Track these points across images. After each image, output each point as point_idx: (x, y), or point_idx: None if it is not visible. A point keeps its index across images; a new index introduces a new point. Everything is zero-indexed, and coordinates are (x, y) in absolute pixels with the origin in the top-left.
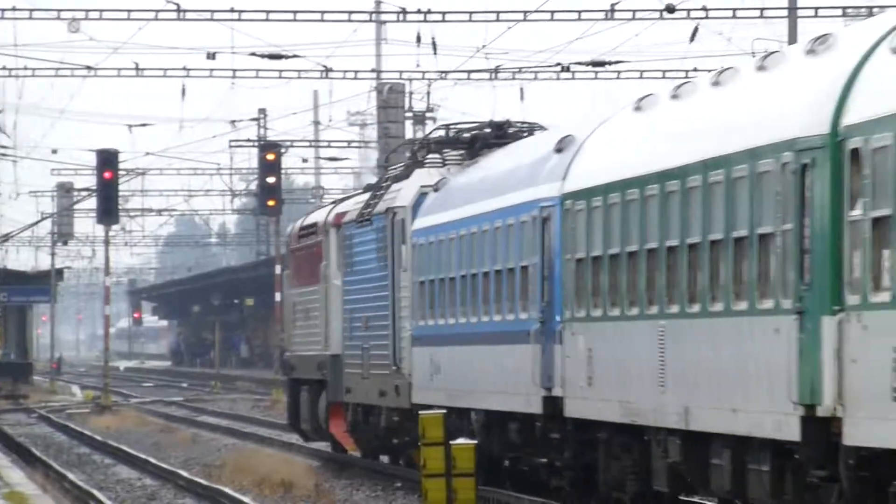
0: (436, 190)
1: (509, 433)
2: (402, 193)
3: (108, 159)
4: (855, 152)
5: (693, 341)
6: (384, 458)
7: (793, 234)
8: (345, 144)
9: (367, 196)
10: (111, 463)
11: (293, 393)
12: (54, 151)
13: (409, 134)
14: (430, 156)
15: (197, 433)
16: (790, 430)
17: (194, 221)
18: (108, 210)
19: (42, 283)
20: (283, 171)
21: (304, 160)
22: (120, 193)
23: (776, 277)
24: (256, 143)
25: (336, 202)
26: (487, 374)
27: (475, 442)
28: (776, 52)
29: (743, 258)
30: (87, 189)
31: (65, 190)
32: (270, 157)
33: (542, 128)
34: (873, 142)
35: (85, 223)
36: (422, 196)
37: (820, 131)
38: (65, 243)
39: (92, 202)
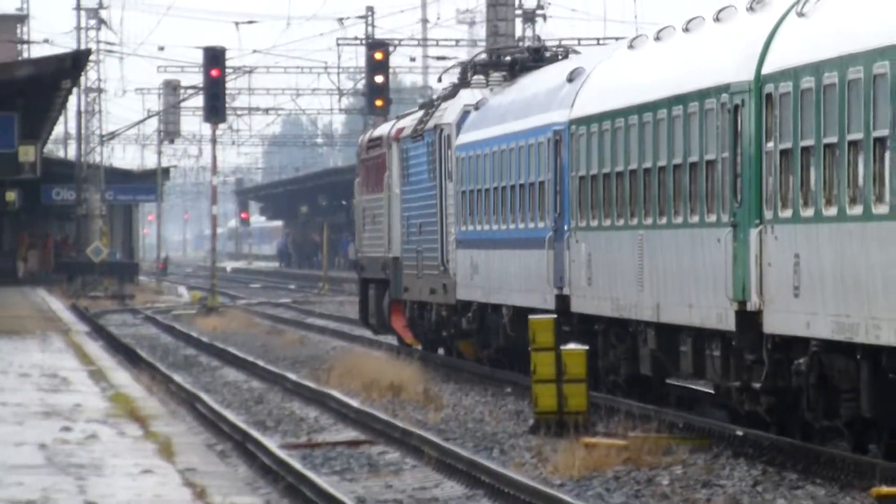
0: (476, 109)
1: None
2: (449, 111)
3: (214, 57)
4: (769, 97)
5: (662, 248)
6: (440, 351)
7: (729, 162)
8: (453, 43)
9: (421, 113)
10: (218, 365)
11: (363, 291)
12: (161, 48)
13: (518, 33)
14: (475, 77)
15: (305, 335)
16: (728, 322)
17: (301, 121)
18: (215, 108)
19: (148, 182)
20: (391, 70)
21: (412, 59)
22: (227, 92)
23: (718, 196)
24: (364, 42)
25: (399, 117)
26: (513, 274)
27: (586, 347)
28: (730, 6)
29: (695, 179)
30: (193, 87)
31: (171, 88)
32: (378, 55)
33: (575, 52)
34: (780, 89)
35: (191, 121)
36: (465, 114)
37: (747, 77)
38: (171, 142)
39: (198, 100)
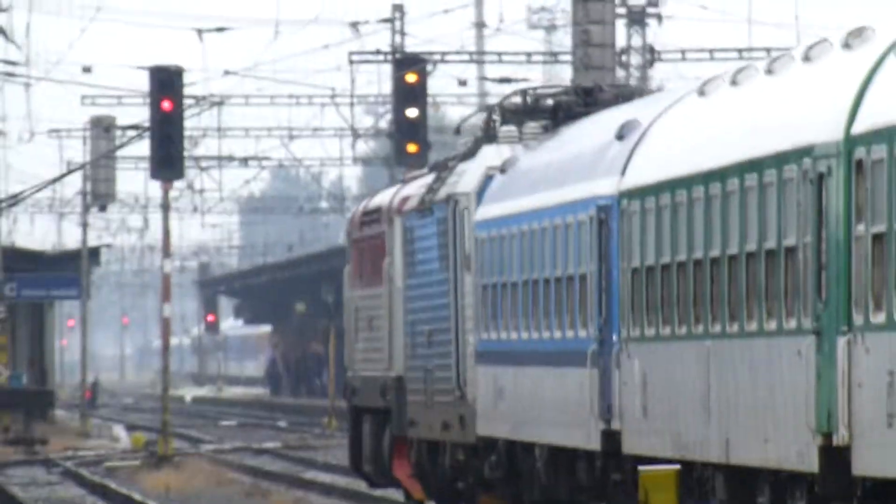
0: (502, 172)
1: (578, 472)
2: (466, 177)
3: (167, 81)
4: (860, 164)
5: (733, 364)
6: None
7: (812, 248)
8: (523, 58)
9: (432, 178)
10: None
11: (355, 424)
12: (86, 70)
13: (620, 41)
14: (504, 127)
15: (302, 498)
16: (811, 462)
17: (297, 175)
18: (168, 158)
19: (68, 270)
20: (430, 100)
21: (462, 82)
22: (185, 134)
23: (800, 294)
24: (389, 58)
25: (405, 181)
26: (548, 401)
27: None
28: (825, 40)
29: (771, 272)
30: (135, 127)
31: (102, 128)
32: (411, 77)
33: (648, 91)
34: (873, 153)
35: (133, 179)
36: (489, 179)
37: (835, 138)
38: (103, 209)
39: (143, 147)
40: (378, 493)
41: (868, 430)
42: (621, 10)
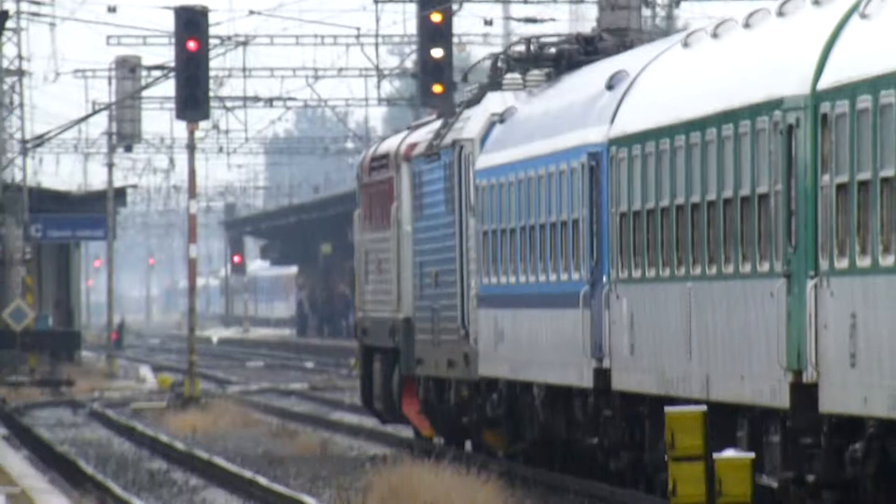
0: (502, 121)
1: (573, 409)
2: (471, 123)
3: (192, 21)
4: (825, 118)
5: (713, 304)
6: (468, 445)
7: (783, 196)
8: None
9: (439, 124)
10: (199, 485)
11: (366, 363)
12: (111, 10)
13: None
14: (509, 75)
15: (329, 439)
16: (783, 398)
17: (323, 116)
18: (194, 99)
19: (94, 210)
20: (455, 40)
21: (488, 22)
22: (211, 74)
23: (772, 239)
24: None
25: (412, 127)
26: (545, 341)
27: (751, 455)
28: None
29: (746, 218)
30: (160, 67)
31: (128, 69)
32: (436, 17)
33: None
34: (837, 108)
35: (158, 119)
36: (492, 126)
37: (803, 92)
38: (129, 149)
39: (168, 87)
40: (395, 430)
41: (833, 369)
42: None
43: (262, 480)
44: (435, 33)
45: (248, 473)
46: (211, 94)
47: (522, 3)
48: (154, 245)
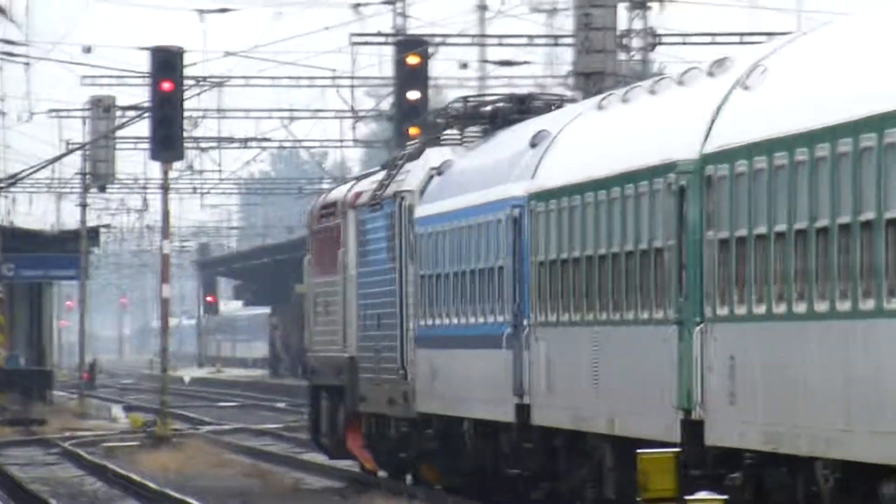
0: (439, 174)
1: (501, 443)
2: (411, 176)
3: (167, 62)
4: (709, 179)
5: (616, 348)
6: (408, 478)
7: (675, 251)
8: (525, 41)
9: (382, 175)
10: None
11: (314, 401)
12: (87, 50)
13: (622, 24)
14: (447, 130)
15: (301, 479)
16: (675, 434)
17: (297, 156)
18: (168, 139)
19: (67, 250)
20: (431, 82)
21: (464, 65)
22: (186, 115)
23: (666, 290)
24: (391, 39)
25: (358, 178)
26: (473, 379)
27: (724, 497)
28: (696, 67)
29: (645, 269)
30: (135, 107)
31: (102, 109)
32: (413, 60)
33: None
34: (719, 171)
35: (133, 160)
36: (430, 178)
37: (692, 157)
38: (102, 189)
39: (143, 127)
40: (347, 466)
41: (716, 407)
42: None
43: None
44: (411, 76)
45: None
46: (185, 134)
47: (499, 46)
48: (127, 285)
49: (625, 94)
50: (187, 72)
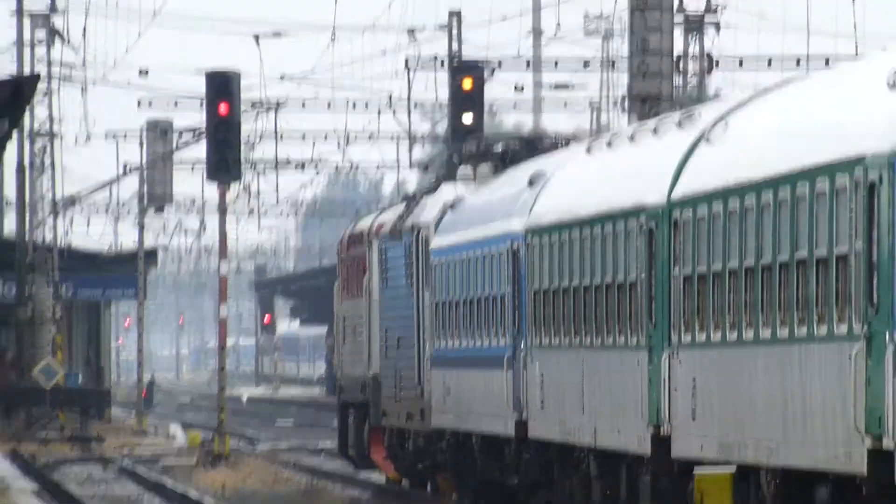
0: (452, 209)
1: (504, 455)
2: (427, 210)
3: (224, 85)
4: (676, 223)
5: (598, 370)
6: (428, 487)
7: (645, 284)
8: (579, 65)
9: (402, 208)
10: None
11: (342, 416)
12: (143, 73)
13: (678, 48)
14: (461, 168)
15: (357, 497)
16: (646, 447)
17: (354, 179)
18: (224, 162)
19: (125, 270)
20: (486, 106)
21: (519, 89)
22: (242, 138)
23: (638, 318)
24: (446, 64)
25: (381, 210)
26: (479, 397)
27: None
28: (669, 117)
29: (621, 300)
30: (192, 130)
31: (159, 131)
32: (467, 83)
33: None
34: (683, 216)
35: (190, 181)
36: (445, 213)
37: (661, 202)
38: (159, 211)
39: (200, 150)
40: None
41: (681, 423)
42: (679, 19)
43: None
44: (466, 99)
45: None
46: (242, 157)
47: (553, 70)
48: (184, 304)
49: (609, 140)
50: (244, 95)
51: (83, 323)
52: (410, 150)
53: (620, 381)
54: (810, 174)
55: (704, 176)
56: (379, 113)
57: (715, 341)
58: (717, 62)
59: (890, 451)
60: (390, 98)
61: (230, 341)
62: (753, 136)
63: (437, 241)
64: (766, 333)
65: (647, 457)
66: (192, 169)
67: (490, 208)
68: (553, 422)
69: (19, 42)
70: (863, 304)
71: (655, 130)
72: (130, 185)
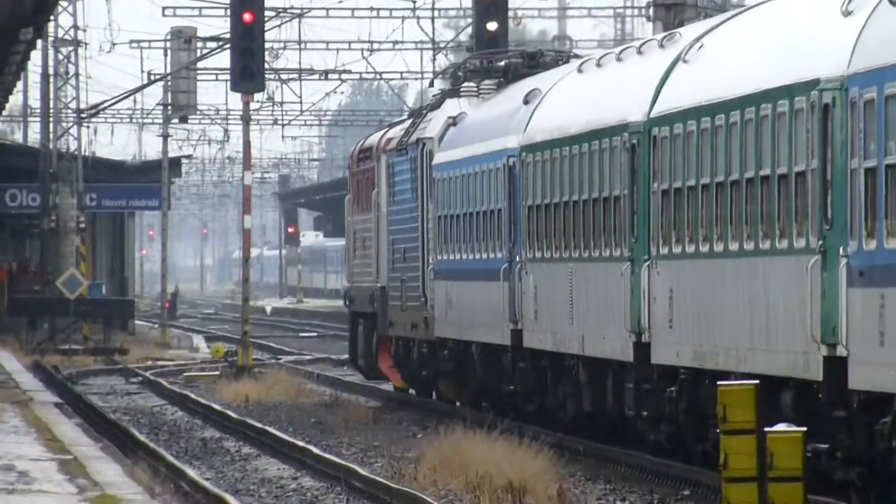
0: (454, 125)
1: (502, 363)
2: (431, 125)
3: None
4: (654, 139)
5: (586, 281)
6: (434, 395)
7: (627, 199)
8: None
9: (409, 123)
10: (251, 453)
11: (352, 327)
12: None
13: None
14: (465, 83)
15: (380, 408)
16: (628, 353)
17: (378, 89)
18: (249, 71)
19: (149, 180)
20: (511, 14)
21: None
22: (266, 46)
23: (621, 232)
24: None
25: (391, 125)
26: (479, 308)
27: (803, 429)
28: (653, 39)
29: (606, 214)
30: (216, 38)
31: (183, 40)
32: None
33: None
34: (661, 132)
35: (214, 91)
36: (448, 128)
37: (642, 119)
38: (184, 120)
39: (223, 59)
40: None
41: (659, 331)
42: None
43: (315, 450)
44: (490, 6)
45: (300, 443)
46: (266, 66)
47: None
48: (208, 215)
49: (599, 60)
50: (268, 3)
51: (107, 233)
52: (434, 58)
53: (605, 292)
54: (772, 95)
55: (680, 95)
56: (402, 20)
57: (689, 253)
58: None
59: (843, 357)
60: (414, 5)
61: (254, 252)
62: (724, 57)
63: (439, 157)
64: (734, 246)
65: (629, 363)
66: (217, 78)
67: (489, 125)
68: (545, 331)
69: None
70: (818, 219)
71: (640, 51)
72: (155, 95)
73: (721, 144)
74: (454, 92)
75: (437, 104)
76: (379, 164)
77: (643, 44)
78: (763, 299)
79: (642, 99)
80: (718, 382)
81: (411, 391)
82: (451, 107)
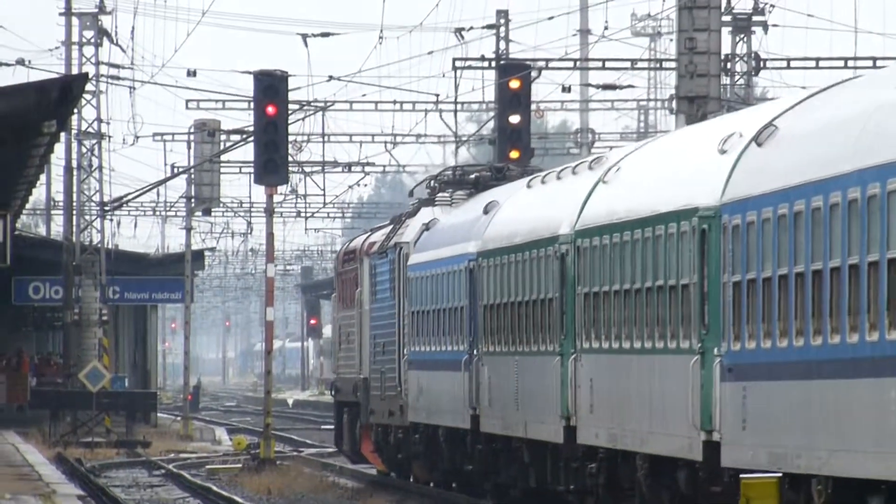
0: (427, 230)
1: (467, 446)
2: (408, 230)
3: (271, 86)
4: (579, 249)
5: (527, 372)
6: (411, 478)
7: (557, 300)
8: (627, 65)
9: (389, 228)
10: None
11: (338, 415)
12: (191, 74)
13: (725, 48)
14: (440, 193)
15: (402, 501)
16: (559, 436)
17: (401, 181)
18: (272, 163)
19: (172, 273)
20: (533, 106)
21: (566, 89)
22: (290, 139)
23: (554, 329)
24: (493, 64)
25: (373, 230)
26: (444, 395)
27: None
28: (584, 162)
29: (541, 313)
30: (239, 131)
31: (207, 133)
32: (515, 84)
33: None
34: (583, 244)
35: (237, 184)
36: (422, 233)
37: (570, 231)
38: (207, 213)
39: (247, 152)
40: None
41: (583, 415)
42: (727, 18)
43: None
44: (513, 100)
45: None
46: (289, 158)
47: (601, 70)
48: (231, 308)
49: (543, 178)
50: (291, 96)
51: (130, 326)
52: (457, 151)
53: (542, 382)
54: (664, 218)
55: (598, 212)
56: (426, 114)
57: (605, 348)
58: (765, 62)
59: (718, 442)
60: (437, 99)
61: (276, 344)
62: (633, 180)
63: (413, 258)
64: (637, 344)
65: (560, 444)
66: (240, 171)
67: (455, 230)
68: (497, 417)
69: (67, 42)
70: (697, 324)
71: (575, 171)
72: (178, 187)
73: (627, 257)
74: (429, 201)
75: (413, 212)
76: (362, 266)
77: (577, 165)
78: (659, 390)
79: (571, 214)
80: (741, 476)
81: (392, 474)
82: (426, 214)
